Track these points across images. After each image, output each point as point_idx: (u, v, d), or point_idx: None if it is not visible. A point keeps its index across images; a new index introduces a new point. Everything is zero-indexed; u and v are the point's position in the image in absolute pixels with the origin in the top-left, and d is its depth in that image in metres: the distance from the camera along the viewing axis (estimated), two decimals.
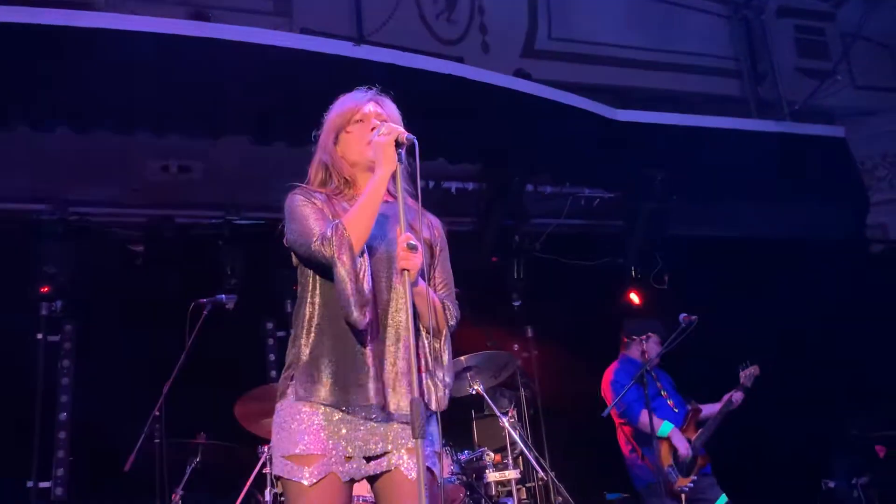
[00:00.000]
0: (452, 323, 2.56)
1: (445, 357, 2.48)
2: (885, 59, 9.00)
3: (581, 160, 6.50)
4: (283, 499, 2.45)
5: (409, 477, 2.35)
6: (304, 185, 2.58)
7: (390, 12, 6.64)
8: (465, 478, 4.64)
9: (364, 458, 2.38)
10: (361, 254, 2.36)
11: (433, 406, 2.42)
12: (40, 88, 4.88)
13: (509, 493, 4.77)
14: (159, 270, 6.08)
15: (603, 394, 5.41)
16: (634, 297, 7.14)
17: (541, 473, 4.62)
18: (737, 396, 5.27)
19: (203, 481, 4.74)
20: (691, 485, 5.03)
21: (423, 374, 2.42)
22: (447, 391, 2.46)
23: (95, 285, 6.11)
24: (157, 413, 4.37)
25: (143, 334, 5.86)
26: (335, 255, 2.31)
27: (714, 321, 5.57)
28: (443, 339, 2.50)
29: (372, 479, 2.43)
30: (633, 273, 7.19)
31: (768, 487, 6.18)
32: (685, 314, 5.23)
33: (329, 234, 2.33)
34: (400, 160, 2.42)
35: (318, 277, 2.46)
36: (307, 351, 2.42)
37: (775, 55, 8.50)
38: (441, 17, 7.14)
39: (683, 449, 5.05)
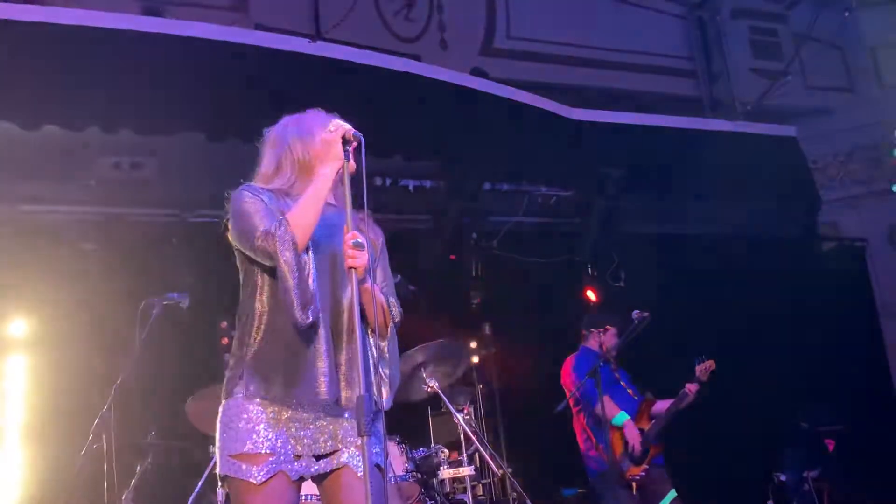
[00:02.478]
0: (397, 320, 2.57)
1: (389, 353, 2.49)
2: (836, 60, 9.18)
3: (538, 158, 6.55)
4: None
5: (358, 474, 2.36)
6: (250, 183, 2.55)
7: (348, 9, 6.61)
8: (419, 475, 4.64)
9: (313, 456, 2.38)
10: (307, 251, 2.35)
11: (381, 404, 2.42)
12: None
13: (465, 490, 4.79)
14: (111, 269, 5.98)
15: (563, 384, 5.45)
16: (591, 295, 7.20)
17: (496, 470, 4.64)
18: (691, 387, 5.32)
19: (153, 482, 4.68)
20: (643, 474, 5.09)
21: (371, 371, 2.41)
22: (393, 387, 2.48)
23: (45, 285, 5.99)
24: (107, 413, 4.31)
25: (94, 333, 5.77)
26: (277, 251, 2.30)
27: (669, 317, 5.67)
28: (388, 336, 2.51)
29: (320, 478, 2.43)
30: (590, 270, 7.25)
31: (719, 480, 6.26)
32: (637, 311, 5.31)
33: (273, 229, 2.32)
34: (347, 157, 2.40)
35: (265, 276, 2.43)
36: (254, 349, 2.41)
37: (729, 55, 8.64)
38: (399, 15, 7.14)
39: (634, 440, 5.10)
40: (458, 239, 6.99)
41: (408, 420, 5.28)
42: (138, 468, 4.55)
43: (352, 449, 2.40)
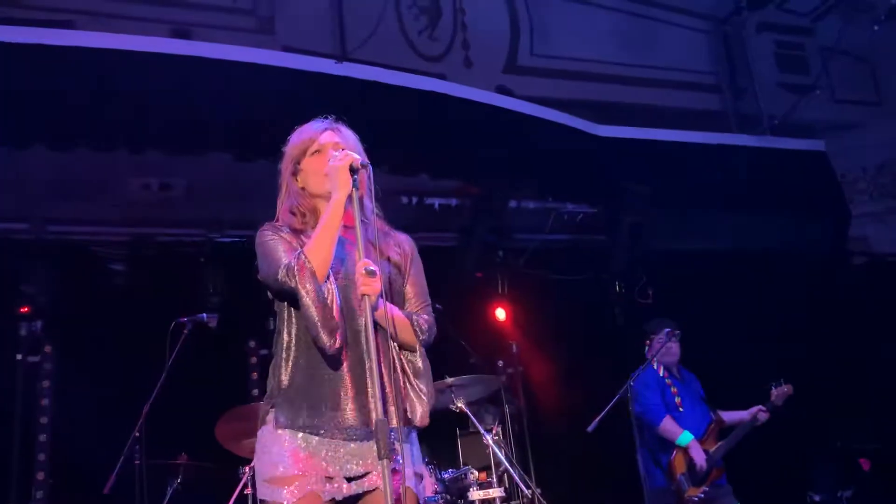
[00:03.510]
0: (424, 337, 2.54)
1: (422, 369, 2.50)
2: (864, 73, 9.09)
3: (563, 175, 6.52)
4: None
5: (391, 498, 2.30)
6: (271, 222, 2.61)
7: (372, 29, 6.66)
8: (449, 496, 4.60)
9: (345, 478, 2.40)
10: (328, 279, 2.40)
11: (416, 421, 2.45)
12: (19, 107, 4.85)
13: None
14: (140, 289, 6.03)
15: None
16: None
17: (526, 491, 4.58)
18: (763, 416, 5.22)
19: (184, 502, 4.68)
20: (701, 495, 5.01)
21: (405, 390, 2.45)
22: (429, 402, 2.48)
23: (76, 305, 6.05)
24: (138, 434, 4.32)
25: (123, 354, 5.81)
26: (298, 284, 2.35)
27: (698, 334, 5.59)
28: (418, 351, 2.51)
29: (353, 499, 2.43)
30: (618, 288, 7.20)
31: (754, 500, 6.16)
32: (669, 328, 5.25)
33: (292, 263, 2.37)
34: (355, 185, 2.42)
35: (292, 308, 2.49)
36: (286, 379, 2.46)
37: (755, 70, 8.58)
38: (423, 34, 7.17)
39: (700, 461, 5.02)
40: (484, 257, 6.98)
41: (437, 440, 5.26)
42: (168, 488, 4.56)
43: (380, 471, 2.35)
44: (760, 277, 7.51)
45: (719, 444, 5.19)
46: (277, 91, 5.50)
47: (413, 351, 2.50)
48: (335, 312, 2.37)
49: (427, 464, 4.60)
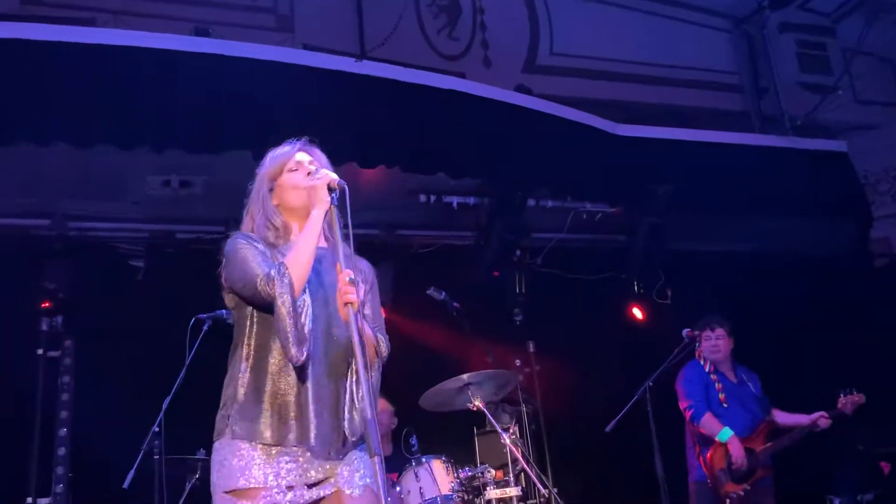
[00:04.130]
0: (385, 355, 2.69)
1: (376, 385, 2.62)
2: (887, 73, 9.00)
3: (583, 175, 6.49)
4: None
5: (352, 494, 2.49)
6: (242, 231, 2.70)
7: (392, 28, 6.66)
8: (465, 495, 4.61)
9: (305, 485, 2.48)
10: (304, 292, 2.50)
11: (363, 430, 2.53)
12: (41, 104, 4.88)
13: None
14: (160, 285, 6.06)
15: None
16: (637, 312, 7.11)
17: (543, 490, 4.57)
18: (824, 422, 5.20)
19: (202, 498, 4.70)
20: (742, 493, 5.00)
21: (355, 406, 2.55)
22: (364, 420, 2.51)
23: (96, 301, 6.10)
24: (157, 429, 4.35)
25: (143, 350, 5.85)
26: (277, 295, 2.42)
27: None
28: (373, 370, 2.61)
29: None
30: (636, 288, 7.17)
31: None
32: (688, 329, 5.23)
33: (273, 274, 2.45)
34: (333, 203, 2.54)
35: (255, 319, 2.56)
36: (243, 391, 2.52)
37: (777, 70, 8.51)
38: (443, 33, 7.17)
39: (738, 458, 5.00)
40: (501, 256, 6.95)
41: (454, 439, 5.25)
42: (187, 483, 4.58)
43: (345, 473, 2.52)
44: (781, 279, 7.45)
45: (768, 444, 5.16)
46: (297, 89, 5.51)
47: (369, 367, 2.55)
48: (307, 326, 2.47)
49: (444, 462, 4.62)
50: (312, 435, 2.46)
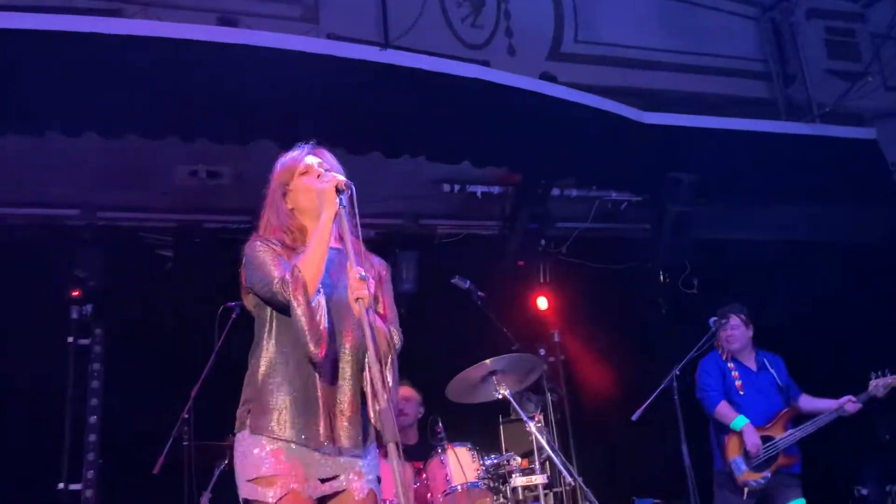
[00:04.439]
0: (398, 347, 2.77)
1: (390, 380, 2.66)
2: None
3: (608, 163, 6.46)
4: None
5: (357, 497, 2.63)
6: (259, 234, 2.79)
7: (416, 17, 6.64)
8: (491, 482, 4.63)
9: (318, 479, 2.60)
10: (318, 293, 2.57)
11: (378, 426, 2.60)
12: (71, 95, 4.94)
13: (536, 498, 4.75)
14: (188, 275, 6.13)
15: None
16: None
17: (568, 478, 4.58)
18: (852, 407, 5.12)
19: (231, 484, 4.75)
20: (762, 481, 4.98)
21: (372, 400, 2.61)
22: (379, 410, 2.58)
23: (125, 289, 6.18)
24: (186, 416, 4.40)
25: (172, 337, 5.93)
26: (292, 296, 2.52)
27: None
28: (389, 363, 2.68)
29: (325, 499, 2.63)
30: (662, 277, 7.13)
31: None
32: (715, 318, 5.20)
33: (287, 276, 2.55)
34: (341, 204, 2.62)
35: (274, 319, 2.68)
36: (262, 389, 2.64)
37: (805, 57, 8.39)
38: (466, 22, 7.14)
39: (752, 446, 4.99)
40: (526, 245, 6.96)
41: (479, 427, 5.27)
42: (216, 469, 4.63)
43: (352, 474, 2.64)
44: (808, 268, 7.39)
45: (790, 431, 5.13)
46: (322, 79, 5.53)
47: (385, 362, 2.65)
48: (323, 324, 2.54)
49: (470, 449, 4.64)
50: (327, 434, 2.58)
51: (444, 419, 4.86)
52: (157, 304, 6.09)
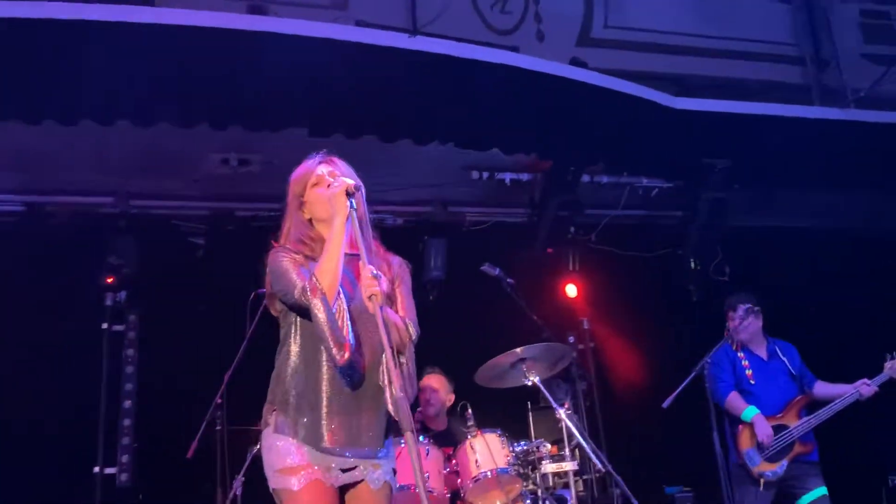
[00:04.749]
0: (414, 339, 2.87)
1: (408, 373, 2.80)
2: None
3: (639, 149, 6.41)
4: None
5: (373, 488, 2.77)
6: (282, 245, 2.91)
7: (444, 3, 6.61)
8: (521, 468, 4.63)
9: (340, 469, 2.74)
10: (338, 297, 2.69)
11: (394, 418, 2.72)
12: (103, 83, 4.99)
13: (566, 485, 4.74)
14: (220, 261, 6.19)
15: None
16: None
17: (598, 465, 4.57)
18: (866, 391, 5.06)
19: (263, 467, 4.81)
20: (778, 471, 4.94)
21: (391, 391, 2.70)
22: (409, 401, 2.69)
23: (158, 276, 6.26)
24: (219, 401, 4.45)
25: (204, 324, 5.99)
26: (312, 305, 2.65)
27: (776, 313, 5.46)
28: (406, 354, 2.82)
29: (344, 489, 2.78)
30: (693, 265, 7.07)
31: (832, 483, 6.01)
32: (749, 305, 5.15)
33: (306, 286, 2.67)
34: (352, 206, 2.70)
35: (298, 324, 2.81)
36: (286, 392, 2.79)
37: (839, 41, 8.25)
38: (495, 8, 7.09)
39: (763, 436, 4.95)
40: (555, 233, 6.92)
41: (508, 414, 5.28)
42: (248, 454, 4.68)
43: (368, 467, 2.78)
44: (842, 254, 7.29)
45: (804, 419, 5.08)
46: (351, 66, 5.53)
47: (402, 353, 2.78)
48: (345, 328, 2.66)
49: (500, 435, 4.65)
50: (348, 436, 2.73)
51: (473, 407, 4.87)
52: (189, 290, 6.16)
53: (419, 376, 5.40)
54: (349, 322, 2.68)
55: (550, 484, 4.68)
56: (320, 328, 2.64)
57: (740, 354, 5.29)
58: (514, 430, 4.95)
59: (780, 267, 7.12)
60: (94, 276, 6.17)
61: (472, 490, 4.52)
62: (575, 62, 6.48)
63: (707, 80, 7.72)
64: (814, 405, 5.22)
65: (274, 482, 2.73)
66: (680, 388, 5.05)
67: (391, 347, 2.52)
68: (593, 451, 4.51)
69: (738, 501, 5.08)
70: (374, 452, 2.78)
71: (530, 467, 4.70)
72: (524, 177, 6.74)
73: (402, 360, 2.79)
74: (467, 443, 4.61)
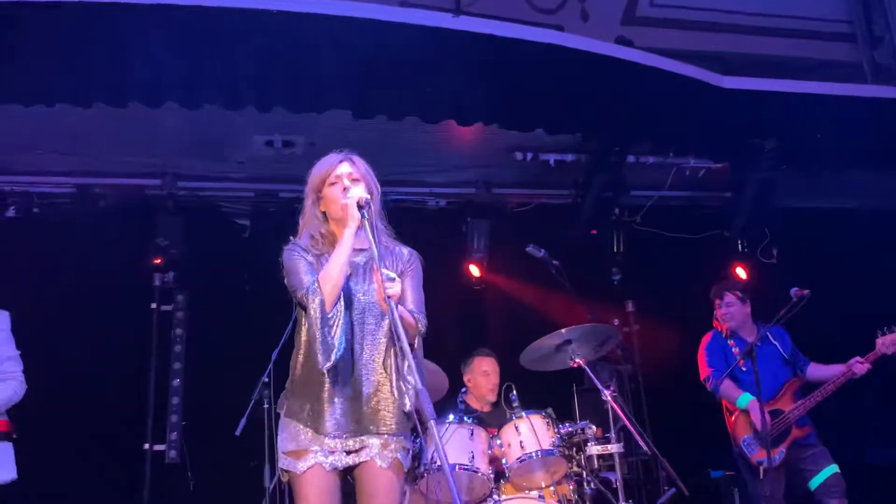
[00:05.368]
0: (423, 331, 3.02)
1: (414, 364, 2.85)
2: None
3: (686, 129, 6.29)
4: None
5: (381, 465, 2.93)
6: (296, 241, 3.08)
7: None
8: (566, 450, 4.62)
9: (344, 451, 2.94)
10: (338, 301, 2.87)
11: (406, 407, 2.95)
12: (152, 66, 5.04)
13: (611, 468, 4.72)
14: (265, 243, 6.24)
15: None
16: (741, 272, 6.92)
17: (644, 448, 4.53)
18: (859, 369, 4.98)
19: None
20: (777, 458, 4.87)
21: (397, 382, 2.95)
22: (414, 391, 2.84)
23: (205, 257, 6.34)
24: (266, 380, 4.49)
25: (251, 303, 6.06)
26: (309, 307, 2.87)
27: (825, 295, 5.35)
28: (415, 347, 2.98)
29: (351, 469, 2.98)
30: (740, 247, 6.96)
31: (859, 466, 5.91)
32: (797, 288, 5.05)
33: (310, 289, 2.88)
34: (363, 216, 2.86)
35: (306, 316, 2.98)
36: (297, 380, 3.01)
37: (893, 17, 8.02)
38: None
39: (759, 423, 4.85)
40: (599, 214, 6.86)
41: (553, 396, 5.26)
42: None
43: (376, 447, 2.94)
44: (892, 237, 7.12)
45: (799, 402, 5.01)
46: (394, 46, 5.51)
47: (410, 344, 2.85)
48: (336, 336, 2.84)
49: (545, 417, 4.64)
50: (354, 423, 2.90)
51: (517, 388, 4.86)
52: (236, 271, 6.23)
53: (470, 358, 5.43)
54: (343, 326, 2.87)
55: (595, 466, 4.64)
56: (311, 331, 2.88)
57: (730, 342, 5.26)
58: (558, 412, 4.92)
59: (829, 249, 6.97)
60: (142, 257, 6.28)
61: (517, 471, 4.52)
62: (620, 41, 6.40)
63: (754, 59, 7.58)
64: (808, 388, 5.14)
65: (282, 463, 2.97)
66: (727, 371, 5.00)
67: (407, 347, 2.67)
68: (639, 434, 4.48)
69: (750, 492, 5.03)
70: (381, 436, 2.94)
71: (575, 449, 4.68)
72: (568, 157, 6.67)
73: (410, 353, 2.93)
74: (512, 424, 4.61)
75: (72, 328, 5.94)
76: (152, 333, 6.23)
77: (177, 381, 6.16)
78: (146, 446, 5.99)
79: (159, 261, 6.28)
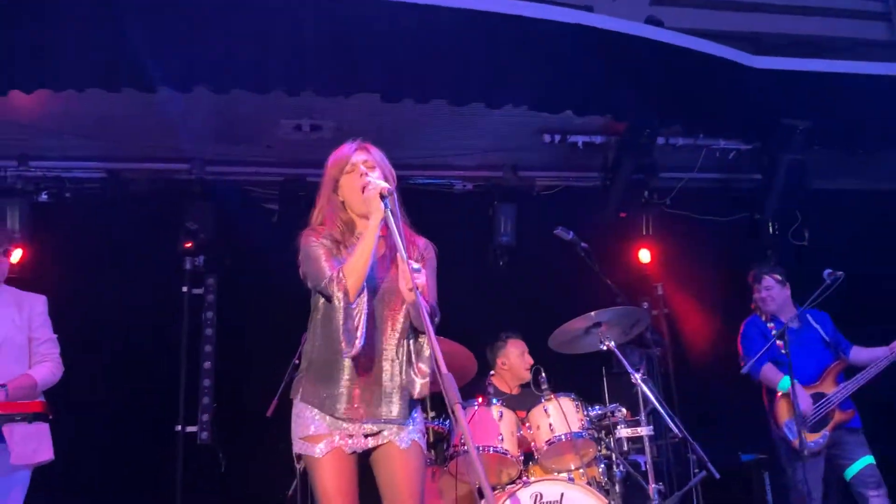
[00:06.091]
0: (437, 321, 2.98)
1: (427, 351, 2.98)
2: None
3: (716, 110, 6.22)
4: None
5: (401, 447, 2.96)
6: (313, 227, 3.08)
7: None
8: (595, 433, 4.61)
9: (363, 435, 2.94)
10: (361, 292, 2.86)
11: (416, 395, 2.98)
12: (181, 50, 5.07)
13: (640, 451, 4.70)
14: (294, 227, 6.25)
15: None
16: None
17: (674, 431, 4.50)
18: None
19: None
20: (821, 441, 4.85)
21: (408, 374, 2.98)
22: (427, 380, 2.96)
23: (235, 241, 6.38)
24: (297, 362, 4.51)
25: (280, 287, 6.07)
26: (335, 296, 2.86)
27: (857, 279, 5.27)
28: (426, 335, 2.87)
29: (370, 452, 2.98)
30: (771, 229, 6.87)
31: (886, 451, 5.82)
32: (830, 270, 4.98)
33: (333, 277, 2.86)
34: (386, 207, 2.82)
35: (324, 305, 2.99)
36: (312, 365, 3.00)
37: None
38: None
39: (802, 405, 4.81)
40: (628, 197, 6.80)
41: (582, 379, 5.25)
42: None
43: (394, 429, 2.96)
44: None
45: (842, 385, 4.95)
46: (422, 29, 5.49)
47: (423, 333, 2.93)
48: (360, 325, 2.85)
49: (573, 399, 4.63)
50: (369, 409, 2.91)
51: (546, 371, 4.85)
52: (265, 255, 6.25)
53: (501, 342, 5.44)
54: (365, 318, 2.86)
55: (625, 449, 4.63)
56: (335, 321, 2.86)
57: (770, 325, 5.17)
58: (587, 395, 4.91)
59: (862, 231, 6.87)
60: (173, 240, 6.33)
61: (546, 453, 4.52)
62: (650, 21, 6.31)
63: (787, 38, 7.48)
64: (850, 371, 5.08)
65: (298, 447, 2.94)
66: (758, 355, 4.95)
67: (432, 331, 2.64)
68: (670, 417, 4.45)
69: (789, 476, 4.98)
70: (396, 421, 2.95)
71: (604, 432, 4.67)
72: (597, 139, 6.62)
73: (423, 340, 3.00)
74: (541, 406, 4.60)
75: (105, 312, 6.02)
76: (184, 316, 6.29)
77: (208, 364, 6.23)
78: (178, 428, 6.06)
79: (190, 244, 6.33)
